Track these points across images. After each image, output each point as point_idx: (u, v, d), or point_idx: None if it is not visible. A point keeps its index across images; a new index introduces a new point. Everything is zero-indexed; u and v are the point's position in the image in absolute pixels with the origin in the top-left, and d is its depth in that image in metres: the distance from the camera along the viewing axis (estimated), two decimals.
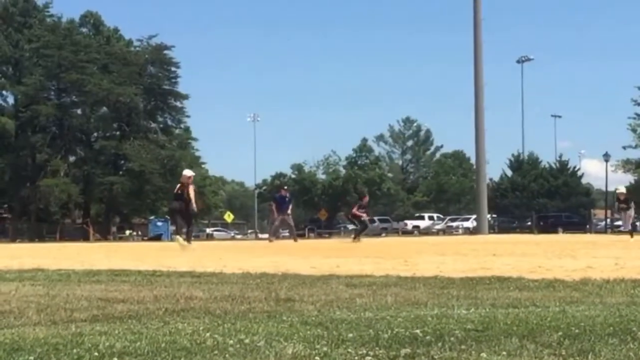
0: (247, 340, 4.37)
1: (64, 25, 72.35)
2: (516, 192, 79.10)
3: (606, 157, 73.37)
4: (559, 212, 71.57)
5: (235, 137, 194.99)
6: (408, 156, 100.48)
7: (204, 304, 6.33)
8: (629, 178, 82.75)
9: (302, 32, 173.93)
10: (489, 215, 60.23)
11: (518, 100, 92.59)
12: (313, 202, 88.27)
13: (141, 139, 68.20)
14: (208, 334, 4.62)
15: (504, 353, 4.03)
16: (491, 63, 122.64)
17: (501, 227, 66.77)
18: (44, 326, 5.22)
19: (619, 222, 31.63)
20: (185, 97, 72.91)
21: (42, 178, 64.96)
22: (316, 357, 3.98)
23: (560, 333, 4.52)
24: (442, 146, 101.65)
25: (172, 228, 23.98)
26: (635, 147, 75.10)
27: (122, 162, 70.00)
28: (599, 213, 79.20)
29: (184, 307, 6.15)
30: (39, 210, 68.98)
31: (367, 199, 31.48)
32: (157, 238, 63.50)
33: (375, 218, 76.62)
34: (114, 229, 73.18)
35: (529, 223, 65.93)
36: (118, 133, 70.54)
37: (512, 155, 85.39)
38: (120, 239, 66.01)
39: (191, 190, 21.26)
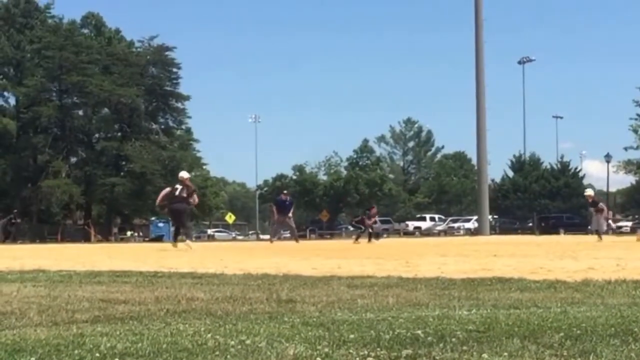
0: (248, 341, 4.37)
1: (65, 26, 72.46)
2: (517, 193, 79.14)
3: (607, 158, 73.39)
4: (561, 213, 71.60)
5: (236, 138, 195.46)
6: (409, 157, 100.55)
7: (206, 305, 6.33)
8: (630, 179, 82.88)
9: (303, 33, 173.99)
10: (490, 216, 60.33)
11: (519, 101, 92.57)
12: (314, 203, 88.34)
13: (142, 140, 68.25)
14: (209, 335, 4.62)
15: (506, 354, 4.02)
16: (493, 64, 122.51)
17: (502, 228, 66.80)
18: (45, 327, 5.21)
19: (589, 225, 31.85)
20: (187, 98, 73.04)
21: (44, 179, 65.02)
22: (317, 358, 3.98)
23: (561, 334, 4.52)
24: (443, 147, 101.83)
25: (174, 229, 24.12)
26: (637, 148, 75.22)
27: (124, 163, 70.06)
28: None
29: (186, 308, 6.15)
30: (40, 212, 69.03)
31: (375, 210, 32.70)
32: (159, 239, 63.53)
33: (377, 219, 76.58)
34: (115, 230, 73.25)
35: (531, 224, 66.01)
36: (119, 134, 70.60)
37: (514, 156, 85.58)
38: (122, 240, 66.06)
39: (186, 192, 21.89)
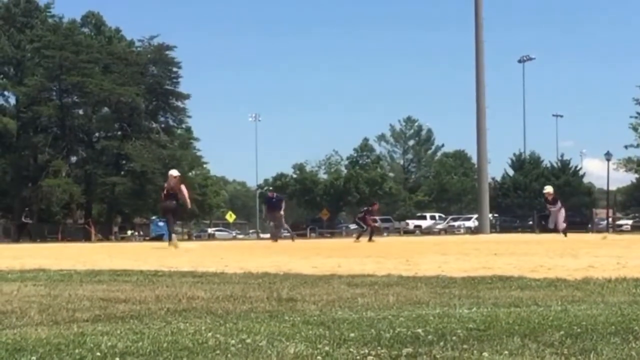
0: (249, 340, 4.38)
1: (65, 26, 72.44)
2: (518, 191, 79.14)
3: (608, 156, 73.37)
4: None
5: (236, 137, 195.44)
6: (409, 156, 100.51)
7: (206, 304, 6.33)
8: (631, 177, 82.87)
9: (304, 32, 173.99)
10: (490, 215, 60.28)
11: (519, 100, 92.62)
12: (315, 202, 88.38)
13: (143, 139, 68.23)
14: (210, 334, 4.62)
15: (506, 352, 4.02)
16: (492, 62, 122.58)
17: (503, 226, 66.77)
18: (46, 326, 5.22)
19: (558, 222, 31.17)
20: (187, 97, 72.99)
21: (44, 178, 64.98)
22: (318, 357, 3.98)
23: (562, 332, 4.52)
24: (443, 145, 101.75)
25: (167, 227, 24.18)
26: (637, 146, 75.18)
27: (124, 162, 70.03)
28: (601, 212, 79.19)
29: (186, 307, 6.15)
30: (40, 211, 68.99)
31: (377, 206, 32.53)
32: (159, 238, 63.52)
33: (377, 217, 76.60)
34: (115, 229, 73.20)
35: (531, 222, 65.91)
36: (120, 133, 70.57)
37: (514, 154, 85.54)
38: (122, 239, 66.04)
39: (184, 188, 22.10)
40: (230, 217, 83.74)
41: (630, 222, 73.97)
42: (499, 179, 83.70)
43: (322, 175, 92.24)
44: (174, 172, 23.27)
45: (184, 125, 75.53)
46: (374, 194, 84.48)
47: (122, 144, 67.54)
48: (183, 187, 22.58)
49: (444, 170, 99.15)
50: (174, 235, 23.00)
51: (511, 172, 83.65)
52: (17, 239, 52.38)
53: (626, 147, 76.14)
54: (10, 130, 67.50)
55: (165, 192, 22.85)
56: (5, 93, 72.02)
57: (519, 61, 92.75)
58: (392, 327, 4.78)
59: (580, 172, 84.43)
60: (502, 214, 73.40)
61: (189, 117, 74.49)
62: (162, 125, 72.16)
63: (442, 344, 4.24)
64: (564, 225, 29.22)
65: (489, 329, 4.71)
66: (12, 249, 26.43)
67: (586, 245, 20.00)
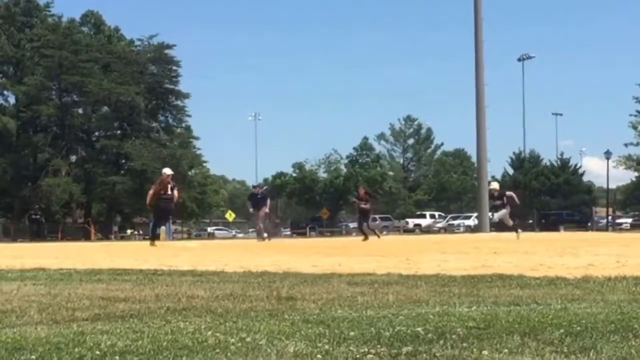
0: (248, 339, 4.38)
1: (64, 25, 72.46)
2: (517, 190, 79.08)
3: (607, 154, 73.38)
4: (561, 210, 71.64)
5: (236, 136, 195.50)
6: (409, 154, 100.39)
7: (206, 303, 6.33)
8: (631, 175, 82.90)
9: (304, 31, 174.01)
10: (490, 214, 60.17)
11: (519, 99, 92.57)
12: (314, 201, 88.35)
13: (142, 138, 68.25)
14: (210, 333, 4.62)
15: (506, 351, 4.03)
16: (492, 61, 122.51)
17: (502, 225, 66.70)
18: (46, 325, 5.22)
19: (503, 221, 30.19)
20: (187, 96, 73.04)
21: (44, 178, 65.01)
22: (318, 356, 3.98)
23: (561, 330, 4.52)
24: (442, 144, 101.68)
25: (160, 228, 24.14)
26: (637, 144, 75.20)
27: (124, 161, 70.07)
28: (601, 211, 79.28)
29: (186, 306, 6.15)
30: (40, 210, 69.01)
31: (362, 190, 31.10)
32: (158, 237, 63.48)
33: (377, 216, 76.70)
34: (115, 228, 73.22)
35: (531, 221, 65.96)
36: (119, 132, 70.60)
37: (514, 153, 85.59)
38: (122, 238, 66.04)
39: (175, 190, 22.25)
40: (230, 216, 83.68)
41: (629, 220, 74.01)
42: (498, 177, 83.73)
43: (322, 174, 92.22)
44: (168, 171, 22.95)
45: (183, 124, 75.54)
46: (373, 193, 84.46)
47: (121, 143, 67.55)
48: (175, 191, 22.71)
49: (444, 169, 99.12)
50: (159, 233, 23.30)
51: (511, 171, 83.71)
52: (30, 238, 52.42)
53: (626, 145, 76.23)
54: (10, 129, 67.52)
55: (162, 192, 22.49)
56: (5, 92, 72.07)
57: (519, 60, 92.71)
58: (391, 325, 4.78)
59: (580, 171, 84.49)
60: None
61: (189, 116, 74.62)
62: (162, 124, 72.21)
63: (441, 342, 4.25)
64: (511, 222, 28.18)
65: (489, 327, 4.71)
66: (12, 248, 26.43)
67: (586, 243, 19.99)
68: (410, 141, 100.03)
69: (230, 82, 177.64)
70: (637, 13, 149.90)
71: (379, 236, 29.92)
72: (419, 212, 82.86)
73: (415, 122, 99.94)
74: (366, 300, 6.36)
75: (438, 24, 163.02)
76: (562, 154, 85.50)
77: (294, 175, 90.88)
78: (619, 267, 9.88)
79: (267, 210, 29.65)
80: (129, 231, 73.51)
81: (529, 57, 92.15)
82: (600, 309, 5.49)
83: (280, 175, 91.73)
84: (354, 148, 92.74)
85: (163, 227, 24.01)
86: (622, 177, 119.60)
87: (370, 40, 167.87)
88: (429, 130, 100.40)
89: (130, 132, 68.77)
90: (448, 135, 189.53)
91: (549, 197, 77.85)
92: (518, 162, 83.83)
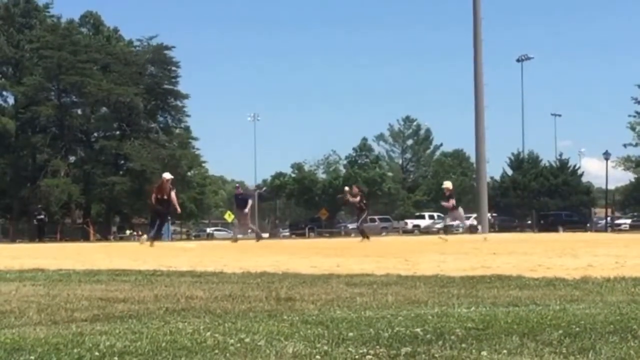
0: (247, 340, 4.38)
1: (63, 26, 72.46)
2: (516, 190, 79.18)
3: (606, 155, 73.41)
4: (560, 211, 71.64)
5: (235, 136, 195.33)
6: (408, 155, 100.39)
7: (205, 304, 6.34)
8: (629, 176, 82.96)
9: (302, 31, 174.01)
10: (489, 214, 60.28)
11: (518, 99, 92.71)
12: (313, 202, 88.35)
13: (142, 138, 68.27)
14: (209, 333, 4.62)
15: (505, 351, 4.03)
16: (491, 62, 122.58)
17: (501, 225, 66.77)
18: (45, 326, 5.22)
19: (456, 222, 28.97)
20: (186, 96, 73.05)
21: (43, 178, 65.00)
22: (317, 356, 3.98)
23: (560, 331, 4.52)
24: (441, 145, 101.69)
25: (157, 229, 24.64)
26: (636, 145, 75.26)
27: (123, 162, 70.06)
28: (600, 211, 79.30)
29: (185, 307, 6.15)
30: (32, 211, 68.97)
31: (355, 189, 30.50)
32: (158, 238, 63.48)
33: (376, 217, 76.68)
34: (114, 228, 73.20)
35: (530, 222, 65.97)
36: (118, 133, 70.60)
37: (512, 154, 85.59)
38: (121, 239, 66.01)
39: (173, 193, 22.80)
40: (229, 216, 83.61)
41: (628, 221, 74.03)
42: (497, 178, 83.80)
43: (321, 175, 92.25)
44: (167, 175, 23.65)
45: (182, 125, 75.54)
46: (372, 194, 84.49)
47: (120, 144, 67.55)
48: (173, 194, 23.18)
49: (443, 170, 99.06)
50: (152, 234, 24.02)
51: (510, 172, 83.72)
52: (35, 239, 52.41)
53: (625, 145, 76.32)
54: (9, 130, 67.50)
55: (159, 195, 23.05)
56: (4, 93, 72.06)
57: (518, 60, 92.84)
58: (390, 326, 4.78)
59: (579, 172, 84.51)
60: (501, 214, 73.39)
61: (188, 116, 74.62)
62: (161, 125, 72.20)
63: (440, 343, 4.25)
64: (467, 223, 27.34)
65: (488, 328, 4.71)
66: (10, 249, 26.42)
67: (585, 244, 19.98)
68: (409, 142, 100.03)
69: (229, 82, 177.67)
70: (636, 14, 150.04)
71: (367, 238, 28.96)
72: (417, 213, 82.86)
73: (414, 123, 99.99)
74: (365, 301, 6.36)
75: (437, 24, 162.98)
76: (561, 155, 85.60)
77: (293, 175, 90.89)
78: (617, 268, 9.88)
79: (246, 211, 29.39)
80: (127, 232, 73.48)
81: (528, 58, 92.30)
82: (599, 309, 5.49)
83: (279, 175, 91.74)
84: (353, 149, 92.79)
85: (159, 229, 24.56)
86: (621, 177, 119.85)
87: (369, 41, 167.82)
88: (428, 130, 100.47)
89: (129, 133, 68.78)
90: (447, 135, 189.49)
91: (548, 197, 77.85)
92: (517, 162, 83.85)
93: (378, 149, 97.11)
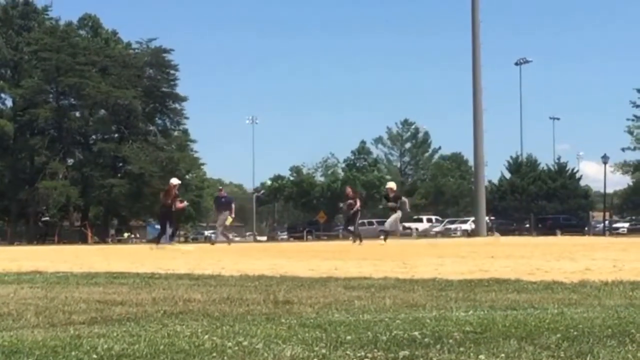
0: (245, 343, 4.37)
1: (62, 28, 72.45)
2: (515, 194, 79.20)
3: (604, 159, 73.45)
4: (558, 214, 71.64)
5: (233, 139, 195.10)
6: (406, 158, 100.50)
7: (203, 307, 6.33)
8: (628, 180, 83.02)
9: (301, 34, 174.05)
10: (487, 218, 60.23)
11: (516, 103, 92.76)
12: (312, 205, 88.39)
13: (140, 141, 68.27)
14: (206, 337, 4.62)
15: (503, 355, 4.03)
16: (489, 65, 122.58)
17: (499, 229, 66.74)
18: (43, 329, 5.21)
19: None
20: (184, 99, 73.07)
21: (41, 181, 64.97)
22: (314, 359, 3.98)
23: (558, 335, 4.52)
24: (440, 148, 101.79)
25: (167, 233, 25.15)
26: (634, 149, 75.31)
27: (121, 164, 70.06)
28: (598, 215, 79.32)
29: (183, 310, 6.15)
30: (37, 213, 68.97)
31: (349, 191, 29.70)
32: (156, 241, 63.44)
33: (374, 220, 76.64)
34: (112, 231, 73.18)
35: (528, 225, 65.93)
36: (117, 135, 70.60)
37: (511, 157, 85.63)
38: (119, 241, 66.00)
39: (177, 201, 23.63)
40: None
41: (626, 225, 74.04)
42: (495, 181, 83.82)
43: (319, 178, 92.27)
44: (174, 181, 24.39)
45: (181, 128, 75.62)
46: (371, 197, 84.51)
47: (119, 147, 67.56)
48: (178, 202, 24.03)
49: (441, 173, 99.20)
50: (168, 237, 24.48)
51: (508, 175, 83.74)
52: (38, 240, 52.56)
53: (623, 149, 76.34)
54: (7, 132, 67.49)
55: (167, 201, 24.15)
56: (2, 95, 72.12)
57: (516, 64, 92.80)
58: (388, 329, 4.78)
59: (577, 175, 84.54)
60: (499, 217, 73.39)
61: (187, 119, 74.66)
62: (159, 128, 72.23)
63: (438, 346, 4.25)
64: (399, 229, 26.15)
65: (486, 331, 4.71)
66: (8, 251, 26.39)
67: (583, 248, 19.98)
68: (408, 145, 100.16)
69: (228, 85, 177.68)
70: (635, 18, 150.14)
71: (357, 241, 27.94)
72: (415, 216, 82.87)
73: (413, 126, 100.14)
74: (363, 304, 6.36)
75: (435, 28, 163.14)
76: (559, 158, 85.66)
77: (292, 178, 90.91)
78: (615, 271, 9.88)
79: (230, 215, 29.46)
80: (125, 234, 73.52)
81: (527, 61, 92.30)
82: (597, 313, 5.49)
83: (277, 178, 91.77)
84: (352, 152, 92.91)
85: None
86: (619, 181, 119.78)
87: (368, 44, 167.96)
88: (426, 134, 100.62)
89: (127, 136, 68.77)
90: (445, 139, 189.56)
91: (546, 201, 77.88)
92: (515, 166, 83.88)
93: (376, 152, 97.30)
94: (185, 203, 27.77)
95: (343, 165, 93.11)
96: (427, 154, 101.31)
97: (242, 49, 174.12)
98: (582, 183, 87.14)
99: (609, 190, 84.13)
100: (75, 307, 6.45)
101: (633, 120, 74.41)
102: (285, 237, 77.26)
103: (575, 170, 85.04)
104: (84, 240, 61.32)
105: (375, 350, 4.18)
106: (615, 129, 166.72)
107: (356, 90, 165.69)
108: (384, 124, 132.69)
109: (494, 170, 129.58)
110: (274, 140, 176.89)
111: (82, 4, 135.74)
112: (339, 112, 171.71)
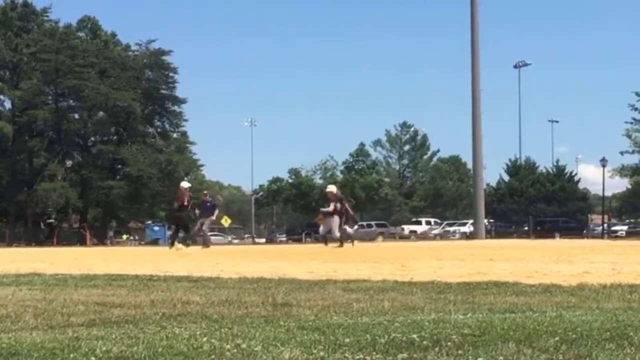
0: (244, 345, 4.37)
1: (61, 30, 72.41)
2: (513, 197, 79.23)
3: (603, 162, 73.47)
4: (556, 217, 71.67)
5: (232, 141, 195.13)
6: (405, 161, 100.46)
7: (201, 309, 6.33)
8: (626, 183, 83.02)
9: (300, 37, 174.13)
10: (486, 220, 60.25)
11: (515, 105, 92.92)
12: (310, 207, 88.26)
13: (139, 143, 68.23)
14: (205, 339, 4.62)
15: (501, 358, 4.03)
16: (488, 68, 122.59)
17: (498, 232, 66.78)
18: (41, 330, 5.21)
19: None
20: (183, 101, 73.01)
21: (40, 182, 64.91)
22: None
23: (557, 338, 4.52)
24: (438, 151, 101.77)
25: (180, 235, 25.71)
26: (632, 152, 75.30)
27: (120, 166, 69.99)
28: (596, 218, 79.36)
29: (181, 312, 6.14)
30: (36, 215, 68.90)
31: (331, 191, 28.80)
32: (154, 242, 63.46)
33: (372, 222, 76.64)
34: (110, 233, 73.12)
35: (526, 228, 65.94)
36: (115, 137, 70.55)
37: (509, 160, 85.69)
38: (117, 243, 65.94)
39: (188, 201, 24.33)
40: (226, 221, 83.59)
41: (625, 228, 74.06)
42: (494, 184, 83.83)
43: (318, 180, 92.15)
44: (185, 184, 26.21)
45: (179, 130, 75.55)
46: (369, 199, 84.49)
47: (118, 148, 67.52)
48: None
49: (440, 176, 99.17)
50: (182, 237, 25.64)
51: (506, 178, 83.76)
52: (46, 242, 52.61)
53: (622, 153, 76.35)
54: (6, 134, 67.43)
55: (177, 203, 25.62)
56: (1, 97, 72.04)
57: (515, 66, 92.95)
58: (387, 332, 4.78)
59: (576, 178, 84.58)
60: (498, 220, 73.40)
61: (185, 121, 74.57)
62: (158, 130, 72.17)
63: (437, 349, 4.25)
64: (337, 234, 25.34)
65: (484, 334, 4.71)
66: (7, 253, 26.38)
67: (581, 251, 19.98)
68: (406, 147, 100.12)
69: (227, 87, 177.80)
70: (634, 21, 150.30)
71: (342, 245, 27.20)
72: (414, 219, 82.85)
73: (411, 129, 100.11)
74: (361, 306, 6.36)
75: (435, 30, 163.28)
76: (557, 161, 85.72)
77: (290, 181, 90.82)
78: (614, 274, 9.88)
79: (213, 218, 29.63)
80: (124, 236, 73.44)
81: (525, 64, 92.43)
82: (596, 316, 5.49)
83: (276, 181, 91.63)
84: (350, 154, 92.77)
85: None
86: (617, 184, 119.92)
87: (366, 46, 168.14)
88: (425, 136, 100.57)
89: (126, 138, 68.75)
90: (444, 141, 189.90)
91: (545, 204, 77.90)
92: (514, 168, 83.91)
93: (375, 154, 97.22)
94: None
95: (342, 167, 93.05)
96: (425, 157, 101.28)
97: (241, 51, 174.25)
98: (581, 186, 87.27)
99: (608, 193, 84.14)
100: (74, 309, 6.45)
101: (632, 123, 74.43)
102: (284, 239, 77.19)
103: (574, 173, 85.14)
104: (82, 242, 61.28)
105: (374, 352, 4.18)
106: (614, 132, 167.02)
107: (355, 92, 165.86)
108: (382, 127, 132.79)
109: (492, 173, 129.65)
110: (273, 142, 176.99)
111: (82, 6, 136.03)
112: (337, 114, 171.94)
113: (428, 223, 78.74)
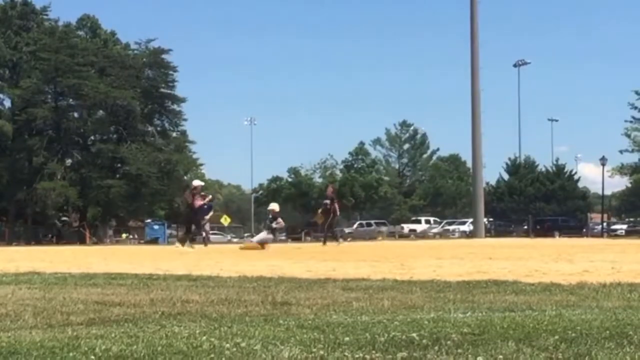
0: (243, 344, 4.37)
1: (61, 29, 72.37)
2: (513, 195, 79.25)
3: (603, 161, 73.48)
4: (556, 216, 71.71)
5: (232, 140, 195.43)
6: (405, 159, 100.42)
7: (201, 308, 6.33)
8: (626, 182, 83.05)
9: (299, 36, 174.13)
10: (485, 219, 60.29)
11: (515, 104, 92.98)
12: (310, 206, 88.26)
13: (138, 142, 68.18)
14: (204, 338, 4.62)
15: (501, 357, 4.03)
16: (488, 67, 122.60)
17: (498, 230, 66.83)
18: (41, 329, 5.21)
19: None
20: (183, 100, 72.97)
21: (39, 181, 64.87)
22: None
23: (556, 337, 4.52)
24: (438, 149, 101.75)
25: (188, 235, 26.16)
26: (632, 151, 75.31)
27: (119, 165, 69.93)
28: (596, 217, 79.37)
29: (181, 311, 6.14)
30: (35, 213, 68.86)
31: (330, 190, 29.50)
32: (154, 241, 63.46)
33: (372, 221, 76.71)
34: (110, 232, 73.09)
35: (526, 227, 65.97)
36: (115, 136, 70.49)
37: (509, 159, 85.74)
38: (117, 242, 65.92)
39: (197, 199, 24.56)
40: (225, 220, 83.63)
41: (624, 226, 74.09)
42: (493, 183, 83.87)
43: (318, 179, 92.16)
44: (196, 182, 26.59)
45: (179, 129, 75.50)
46: (369, 198, 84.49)
47: (117, 147, 67.46)
48: (198, 200, 25.60)
49: (439, 175, 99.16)
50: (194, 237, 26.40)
51: (506, 177, 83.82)
52: (56, 241, 52.64)
53: (621, 152, 76.36)
54: (6, 132, 67.37)
55: (189, 201, 25.70)
56: (1, 95, 71.97)
57: (515, 65, 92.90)
58: (386, 331, 4.78)
59: (575, 177, 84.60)
60: (497, 218, 73.44)
61: (185, 120, 74.51)
62: (158, 129, 72.11)
63: (436, 348, 4.25)
64: (262, 241, 25.14)
65: (484, 333, 4.71)
66: (6, 252, 26.37)
67: (581, 249, 19.98)
68: (406, 146, 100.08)
69: (226, 86, 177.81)
70: (634, 19, 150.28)
71: (325, 243, 27.82)
72: (414, 218, 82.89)
73: (411, 127, 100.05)
74: (361, 305, 6.36)
75: (434, 30, 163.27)
76: (557, 160, 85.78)
77: (290, 180, 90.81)
78: (613, 273, 9.89)
79: (207, 217, 29.89)
80: (124, 235, 73.40)
81: (525, 63, 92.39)
82: (595, 315, 5.49)
83: (275, 179, 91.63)
84: (350, 153, 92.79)
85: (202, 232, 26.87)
86: (617, 183, 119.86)
87: (366, 45, 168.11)
88: (425, 135, 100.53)
89: (126, 136, 68.69)
90: (444, 140, 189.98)
91: (544, 203, 77.92)
92: (513, 167, 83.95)
93: (375, 153, 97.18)
94: (210, 197, 28.66)
95: (341, 166, 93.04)
96: (425, 155, 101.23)
97: (240, 50, 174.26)
98: (580, 185, 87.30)
99: (607, 192, 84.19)
100: (73, 308, 6.45)
101: (631, 121, 74.44)
102: (284, 238, 77.23)
103: (573, 172, 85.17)
104: (82, 240, 61.25)
105: (373, 351, 4.18)
106: (613, 130, 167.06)
107: (355, 91, 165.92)
108: (382, 125, 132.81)
109: (492, 172, 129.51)
110: (273, 141, 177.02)
111: (81, 5, 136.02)
112: (337, 113, 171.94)
113: (427, 222, 78.80)
